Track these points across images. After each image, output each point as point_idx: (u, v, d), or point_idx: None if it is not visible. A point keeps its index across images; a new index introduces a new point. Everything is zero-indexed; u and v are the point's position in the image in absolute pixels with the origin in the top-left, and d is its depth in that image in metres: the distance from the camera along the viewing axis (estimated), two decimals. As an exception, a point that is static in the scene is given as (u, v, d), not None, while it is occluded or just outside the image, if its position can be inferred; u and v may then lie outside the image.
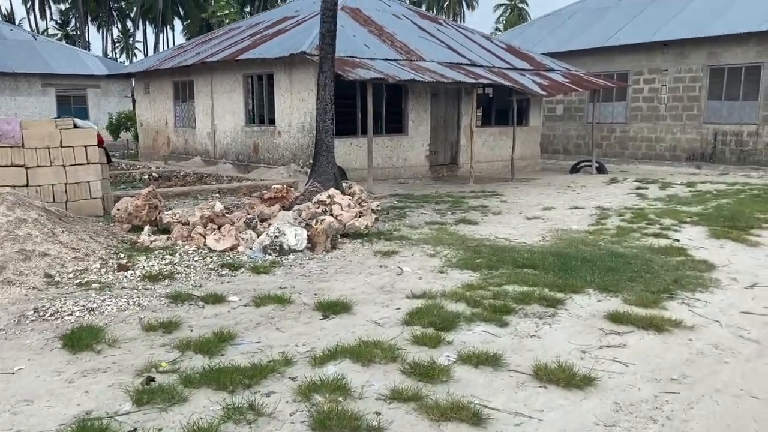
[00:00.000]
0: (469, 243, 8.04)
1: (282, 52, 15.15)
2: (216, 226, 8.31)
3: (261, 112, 17.71)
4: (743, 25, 19.14)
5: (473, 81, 15.39)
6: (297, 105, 16.03)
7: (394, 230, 8.97)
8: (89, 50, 50.77)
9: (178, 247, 7.63)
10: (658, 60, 21.44)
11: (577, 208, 11.49)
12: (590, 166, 19.45)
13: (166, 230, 8.33)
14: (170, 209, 9.23)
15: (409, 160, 17.50)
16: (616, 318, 5.20)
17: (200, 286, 6.22)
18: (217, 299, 5.73)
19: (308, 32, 15.92)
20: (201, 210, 8.54)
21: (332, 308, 5.43)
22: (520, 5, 73.27)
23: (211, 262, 7.13)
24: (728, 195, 12.88)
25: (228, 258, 7.33)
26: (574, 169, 19.82)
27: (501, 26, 71.37)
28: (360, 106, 15.62)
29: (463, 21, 73.82)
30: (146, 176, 16.13)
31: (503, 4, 74.07)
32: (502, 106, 20.55)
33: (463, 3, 75.83)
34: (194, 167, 19.94)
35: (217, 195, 12.69)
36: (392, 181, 16.73)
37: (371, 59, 15.27)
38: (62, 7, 67.06)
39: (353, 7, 18.27)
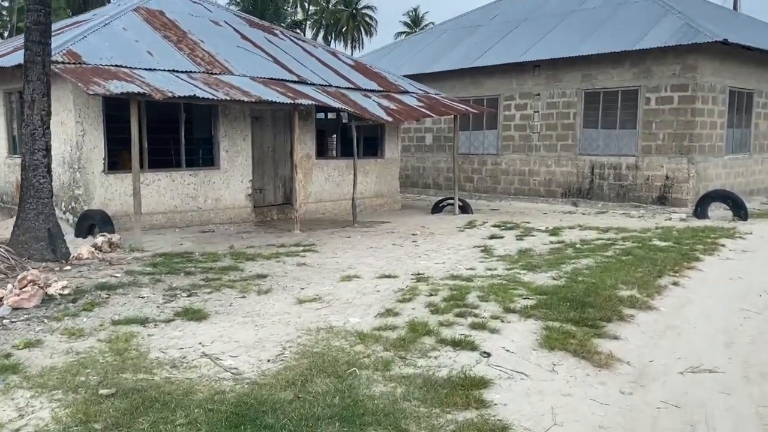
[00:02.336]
0: (91, 390, 4.41)
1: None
2: None
3: (25, 140, 13.58)
4: (618, 43, 16.91)
5: (289, 101, 12.02)
6: (57, 131, 12.02)
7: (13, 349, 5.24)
8: None
9: None
10: (530, 83, 18.98)
11: (388, 276, 8.20)
12: (452, 205, 16.53)
13: None
14: None
15: (223, 201, 13.86)
16: None
17: None
18: None
19: (78, 37, 12.11)
20: None
21: None
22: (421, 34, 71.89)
23: None
24: (594, 250, 10.01)
25: None
26: (437, 208, 16.86)
27: None
28: (145, 128, 11.88)
29: (362, 48, 71.64)
30: None
31: (404, 32, 72.41)
32: (356, 135, 17.38)
33: (361, 29, 73.85)
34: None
35: None
36: (195, 228, 13.01)
37: (149, 69, 11.61)
38: None
39: (154, 9, 14.58)
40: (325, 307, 6.62)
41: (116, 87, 9.78)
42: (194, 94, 10.56)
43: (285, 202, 15.23)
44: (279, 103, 11.98)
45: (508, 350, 5.19)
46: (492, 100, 19.81)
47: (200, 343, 5.39)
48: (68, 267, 8.10)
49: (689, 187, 16.16)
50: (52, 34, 12.06)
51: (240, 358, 5.08)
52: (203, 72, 12.53)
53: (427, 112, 15.21)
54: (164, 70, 11.92)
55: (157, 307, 6.51)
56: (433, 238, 12.06)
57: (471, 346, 5.21)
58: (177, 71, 12.07)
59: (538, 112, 18.87)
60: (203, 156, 13.85)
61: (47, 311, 6.13)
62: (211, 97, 10.88)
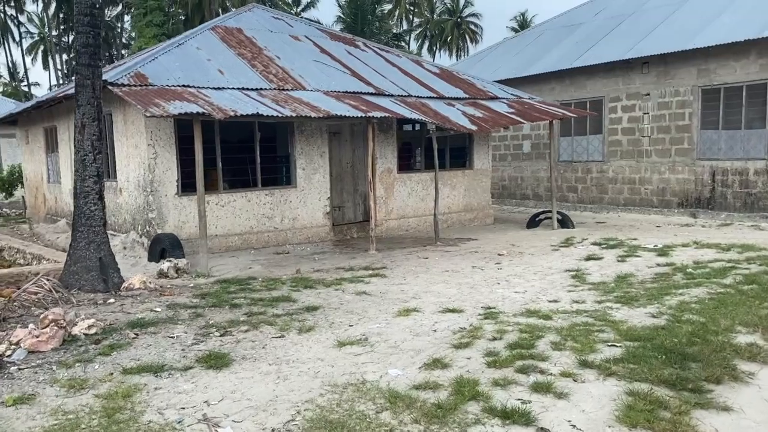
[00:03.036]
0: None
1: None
2: None
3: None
4: (740, 31, 14.78)
5: (360, 114, 11.25)
6: (131, 153, 12.02)
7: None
8: None
9: None
10: (638, 82, 17.11)
11: (452, 311, 7.13)
12: (550, 218, 15.09)
13: None
14: None
15: (300, 220, 13.31)
16: None
17: None
18: None
19: (149, 58, 12.02)
20: None
21: None
22: None
23: None
24: (710, 276, 8.38)
25: None
26: (533, 222, 15.49)
27: None
28: (219, 148, 11.56)
29: (467, 55, 70.45)
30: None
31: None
32: (440, 146, 16.38)
33: (466, 38, 72.62)
34: (52, 233, 16.04)
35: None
36: (271, 249, 12.54)
37: (217, 88, 11.24)
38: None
39: (232, 27, 14.37)
40: (366, 353, 5.68)
41: (175, 108, 9.40)
42: (257, 112, 10.01)
43: (365, 219, 14.45)
44: (351, 117, 11.24)
45: (574, 426, 4.00)
46: (596, 102, 18.09)
47: (206, 402, 4.62)
48: (112, 300, 7.70)
49: (835, 194, 13.75)
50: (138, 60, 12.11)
51: (243, 424, 4.25)
52: (274, 89, 12.04)
53: (518, 119, 13.92)
54: (233, 88, 11.53)
55: (182, 350, 5.85)
56: (521, 258, 10.81)
57: (526, 419, 4.06)
58: (247, 89, 11.65)
59: (647, 113, 16.96)
60: (279, 174, 13.37)
61: (63, 355, 5.63)
62: (276, 114, 10.29)
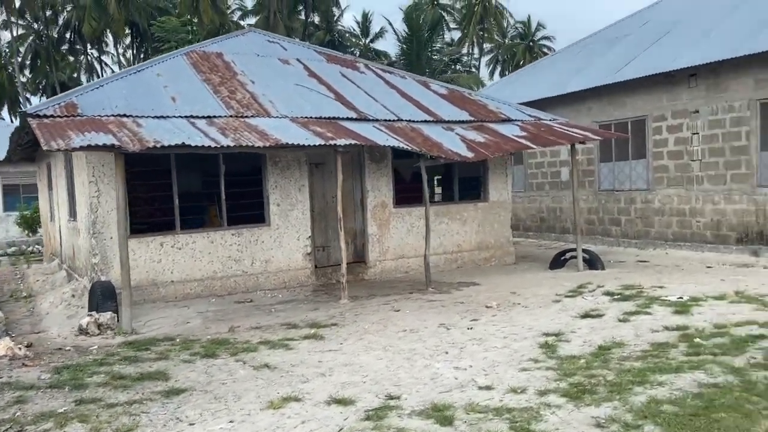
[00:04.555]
0: None
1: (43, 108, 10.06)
2: None
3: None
4: (803, 33, 12.23)
5: (320, 142, 9.69)
6: (81, 191, 10.98)
7: None
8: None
9: None
10: (684, 97, 14.67)
11: (340, 402, 5.35)
12: (576, 257, 12.93)
13: None
14: None
15: (275, 263, 11.83)
16: None
17: None
18: None
19: (92, 87, 11.00)
20: None
21: None
22: None
23: None
24: (723, 350, 6.14)
25: None
26: (558, 263, 13.37)
27: None
28: (175, 184, 10.36)
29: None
30: None
31: None
32: (448, 175, 14.57)
33: (539, 59, 70.11)
34: (40, 274, 15.37)
35: None
36: (238, 296, 11.10)
37: (159, 117, 10.02)
38: None
39: (210, 51, 13.25)
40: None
41: (83, 140, 8.19)
42: (183, 143, 8.65)
43: (356, 260, 12.81)
44: (307, 145, 9.71)
45: None
46: (638, 122, 15.75)
47: None
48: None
49: None
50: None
51: None
52: (231, 116, 10.70)
53: (526, 143, 11.95)
54: (180, 116, 10.28)
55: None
56: (507, 314, 8.83)
57: None
58: (196, 117, 10.36)
59: (697, 133, 14.47)
60: (250, 212, 11.97)
61: None
62: (210, 144, 8.91)
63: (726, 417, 4.38)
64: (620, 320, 7.93)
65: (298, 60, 14.03)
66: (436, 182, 17.15)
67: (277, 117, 11.09)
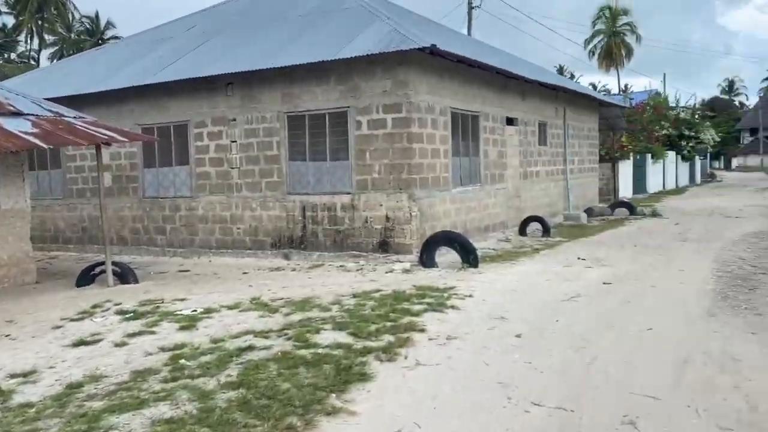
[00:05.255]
0: None
1: None
2: None
3: None
4: (319, 53, 13.36)
5: None
6: None
7: None
8: None
9: None
10: (222, 105, 14.78)
11: None
12: (105, 272, 11.64)
13: None
14: None
15: None
16: None
17: None
18: None
19: None
20: None
21: None
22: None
23: None
24: (205, 370, 5.78)
25: None
26: (85, 278, 11.86)
27: None
28: None
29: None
30: None
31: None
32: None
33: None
34: None
35: None
36: None
37: None
38: None
39: None
40: None
41: None
42: None
43: None
44: None
45: None
46: (180, 126, 15.28)
47: None
48: None
49: (412, 230, 12.99)
50: None
51: None
52: None
53: (36, 142, 10.18)
54: None
55: None
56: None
57: None
58: None
59: (235, 141, 14.71)
60: None
61: None
62: None
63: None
64: (117, 345, 7.03)
65: None
66: None
67: None
